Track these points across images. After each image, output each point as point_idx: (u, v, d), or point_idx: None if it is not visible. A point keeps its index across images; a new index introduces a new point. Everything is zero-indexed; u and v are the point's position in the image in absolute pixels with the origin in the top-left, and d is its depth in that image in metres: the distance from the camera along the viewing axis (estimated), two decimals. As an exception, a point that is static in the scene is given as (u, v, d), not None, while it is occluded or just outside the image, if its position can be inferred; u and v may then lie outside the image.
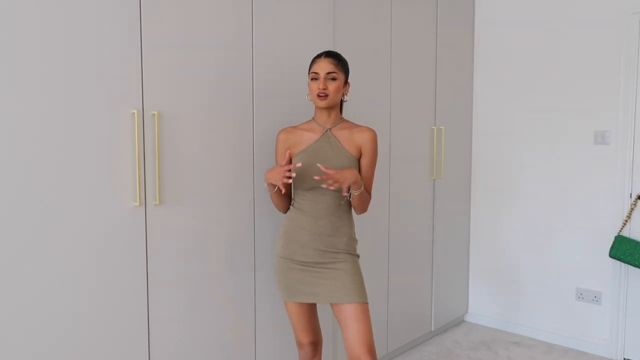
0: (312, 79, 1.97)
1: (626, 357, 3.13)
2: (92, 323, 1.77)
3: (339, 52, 2.60)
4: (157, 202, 1.90)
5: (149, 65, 1.87)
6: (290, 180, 1.87)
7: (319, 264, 1.98)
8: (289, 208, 2.10)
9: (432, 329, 3.41)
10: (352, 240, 2.04)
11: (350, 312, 1.91)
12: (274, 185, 2.00)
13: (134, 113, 1.83)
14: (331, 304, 1.98)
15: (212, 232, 2.11)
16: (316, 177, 1.88)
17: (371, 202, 2.82)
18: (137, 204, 1.85)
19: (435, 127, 3.28)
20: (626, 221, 3.02)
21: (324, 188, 1.93)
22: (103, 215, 1.77)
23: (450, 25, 3.40)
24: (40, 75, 1.60)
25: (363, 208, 2.04)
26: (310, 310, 2.09)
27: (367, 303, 1.95)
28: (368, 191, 2.05)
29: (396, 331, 3.09)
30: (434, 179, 3.33)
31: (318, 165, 1.90)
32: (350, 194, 1.98)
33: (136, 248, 1.87)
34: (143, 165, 1.87)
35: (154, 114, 1.89)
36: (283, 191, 1.93)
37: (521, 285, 3.52)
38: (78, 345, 1.74)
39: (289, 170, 1.89)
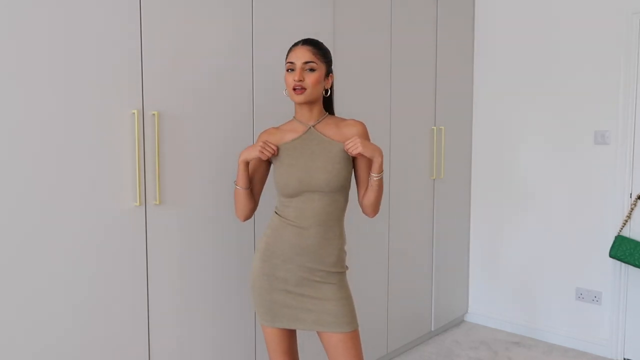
0: (287, 70, 1.73)
1: (626, 357, 3.13)
2: (92, 322, 1.77)
3: (339, 52, 2.61)
4: (157, 202, 1.90)
5: (149, 65, 1.87)
6: (268, 155, 1.73)
7: (303, 286, 1.74)
8: (250, 216, 1.89)
9: (432, 329, 3.41)
10: (343, 254, 1.79)
11: (340, 342, 1.72)
12: (245, 177, 1.80)
13: (134, 113, 1.83)
14: (317, 331, 1.77)
15: (211, 232, 2.11)
16: (353, 152, 1.67)
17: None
18: (137, 204, 1.85)
19: (435, 127, 3.28)
20: (626, 221, 3.02)
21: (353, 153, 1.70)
22: (103, 215, 1.77)
23: (450, 25, 3.40)
24: (40, 75, 1.60)
25: (377, 206, 1.80)
26: (291, 334, 1.85)
27: (357, 328, 1.76)
28: None
29: (396, 331, 3.09)
30: (434, 179, 3.33)
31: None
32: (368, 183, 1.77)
33: (136, 248, 1.87)
34: (143, 165, 1.87)
35: (154, 114, 1.89)
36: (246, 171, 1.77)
37: (521, 285, 3.52)
38: (78, 344, 1.74)
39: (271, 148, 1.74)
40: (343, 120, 1.83)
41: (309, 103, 1.76)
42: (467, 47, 3.59)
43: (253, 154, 1.76)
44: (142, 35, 1.85)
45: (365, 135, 1.80)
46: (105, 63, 1.75)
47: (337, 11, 2.59)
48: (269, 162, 1.88)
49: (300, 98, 1.72)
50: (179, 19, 1.95)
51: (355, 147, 1.68)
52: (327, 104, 1.88)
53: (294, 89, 1.71)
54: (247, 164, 1.80)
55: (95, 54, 1.73)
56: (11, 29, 1.54)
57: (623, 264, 3.08)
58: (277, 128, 1.85)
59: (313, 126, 1.79)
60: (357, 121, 1.82)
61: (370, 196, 1.78)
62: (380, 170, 1.72)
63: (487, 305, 3.70)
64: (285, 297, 1.76)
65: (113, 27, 1.77)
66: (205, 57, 2.04)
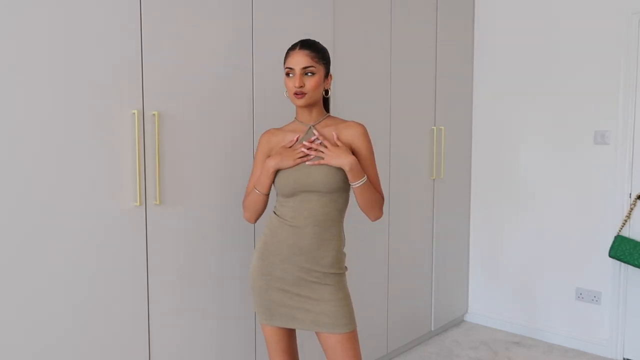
0: (287, 75, 1.74)
1: (626, 357, 3.13)
2: (92, 323, 1.77)
3: (339, 52, 2.61)
4: (157, 202, 1.90)
5: (149, 65, 1.87)
6: (310, 157, 1.73)
7: (300, 286, 1.75)
8: (259, 218, 1.92)
9: (432, 329, 3.41)
10: (340, 256, 1.79)
11: (337, 342, 1.72)
12: (269, 184, 1.80)
13: (134, 113, 1.83)
14: (315, 331, 1.77)
15: (212, 232, 2.11)
16: (308, 163, 1.72)
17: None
18: (137, 204, 1.85)
19: (435, 127, 3.29)
20: (626, 221, 3.02)
21: (308, 165, 1.74)
22: (103, 215, 1.77)
23: (450, 25, 3.40)
24: (40, 75, 1.60)
25: (373, 210, 1.77)
26: (290, 333, 1.86)
27: (356, 329, 1.76)
28: (382, 195, 1.82)
29: (396, 331, 3.09)
30: (434, 179, 3.33)
31: (314, 131, 1.75)
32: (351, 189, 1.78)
33: (136, 248, 1.87)
34: (143, 165, 1.87)
35: (154, 114, 1.89)
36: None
37: (521, 285, 3.52)
38: (78, 345, 1.74)
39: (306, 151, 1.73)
40: (344, 121, 1.83)
41: (309, 105, 1.78)
42: (467, 47, 3.59)
43: (287, 164, 1.74)
44: (142, 35, 1.85)
45: (364, 137, 1.79)
46: (105, 63, 1.75)
47: (337, 11, 2.59)
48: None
49: (302, 102, 1.73)
50: (179, 19, 1.95)
51: (323, 159, 1.71)
52: (324, 103, 1.88)
53: (295, 94, 1.72)
54: (275, 172, 1.79)
55: (95, 54, 1.73)
56: (11, 29, 1.54)
57: (623, 264, 3.08)
58: (278, 129, 1.87)
59: (313, 126, 1.80)
60: (358, 123, 1.81)
61: (358, 201, 1.77)
62: (355, 179, 1.72)
63: (487, 305, 3.70)
64: (283, 296, 1.77)
65: (113, 27, 1.77)
66: (205, 57, 2.04)
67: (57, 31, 1.63)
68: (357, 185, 1.72)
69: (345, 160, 1.69)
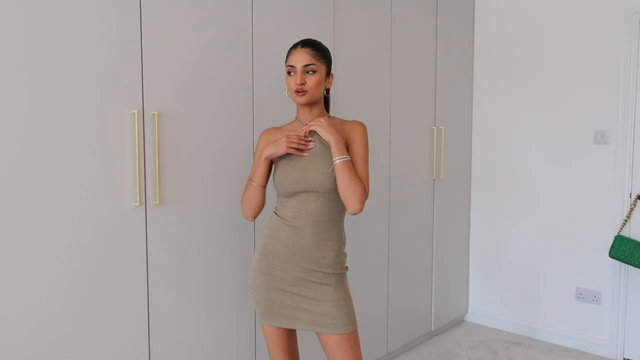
0: (288, 73, 1.74)
1: (626, 357, 3.13)
2: (92, 323, 1.77)
3: (339, 52, 2.61)
4: (157, 202, 1.90)
5: (149, 65, 1.87)
6: (295, 149, 1.73)
7: (300, 286, 1.74)
8: (257, 215, 1.88)
9: (432, 329, 3.41)
10: (341, 256, 1.78)
11: (337, 343, 1.71)
12: (263, 174, 1.80)
13: (134, 113, 1.83)
14: (316, 332, 1.77)
15: (212, 232, 2.11)
16: (303, 129, 1.75)
17: (371, 201, 2.83)
18: (137, 204, 1.85)
19: (435, 127, 3.29)
20: (626, 221, 3.02)
21: (304, 150, 1.76)
22: (103, 215, 1.77)
23: (450, 25, 3.40)
24: (40, 75, 1.60)
25: (352, 197, 1.67)
26: (290, 334, 1.86)
27: (356, 329, 1.75)
28: (364, 186, 1.72)
29: (396, 331, 3.09)
30: (434, 179, 3.33)
31: (306, 124, 1.76)
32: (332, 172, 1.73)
33: (136, 248, 1.87)
34: (143, 165, 1.87)
35: (154, 114, 1.89)
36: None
37: (521, 285, 3.52)
38: (78, 345, 1.74)
39: (304, 140, 1.74)
40: (345, 121, 1.83)
41: (310, 104, 1.78)
42: (467, 47, 3.59)
43: (280, 150, 1.74)
44: (142, 35, 1.85)
45: (360, 133, 1.77)
46: (105, 63, 1.75)
47: (337, 11, 2.59)
48: (271, 161, 1.85)
49: (303, 100, 1.74)
50: (179, 18, 1.95)
51: (313, 125, 1.72)
52: (325, 103, 1.88)
53: (296, 92, 1.72)
54: (269, 161, 1.80)
55: (95, 53, 1.73)
56: (11, 29, 1.54)
57: (623, 264, 3.08)
58: (278, 128, 1.87)
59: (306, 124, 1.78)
60: (358, 122, 1.81)
61: (338, 181, 1.69)
62: (338, 154, 1.68)
63: (487, 305, 3.70)
64: (283, 297, 1.76)
65: (113, 27, 1.77)
66: (205, 57, 2.04)
67: (57, 31, 1.63)
68: (339, 160, 1.67)
69: (333, 133, 1.70)
